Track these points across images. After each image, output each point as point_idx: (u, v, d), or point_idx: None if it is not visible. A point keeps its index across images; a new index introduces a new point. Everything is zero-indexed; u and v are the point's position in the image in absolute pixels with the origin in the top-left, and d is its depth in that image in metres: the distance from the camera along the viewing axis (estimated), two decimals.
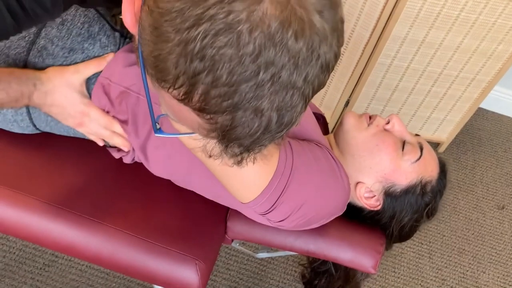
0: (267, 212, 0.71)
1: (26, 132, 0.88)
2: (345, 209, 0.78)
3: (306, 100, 0.44)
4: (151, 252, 0.81)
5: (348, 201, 0.84)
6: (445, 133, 1.81)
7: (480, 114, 2.04)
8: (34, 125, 0.85)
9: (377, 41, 1.45)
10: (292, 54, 0.39)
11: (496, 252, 1.61)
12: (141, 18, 0.44)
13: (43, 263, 1.33)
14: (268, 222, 0.75)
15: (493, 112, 2.07)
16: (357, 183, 0.81)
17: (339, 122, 0.87)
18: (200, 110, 0.42)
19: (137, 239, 0.82)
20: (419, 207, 0.83)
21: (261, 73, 0.39)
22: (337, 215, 0.77)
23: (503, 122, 2.04)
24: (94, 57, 0.79)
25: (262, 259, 1.41)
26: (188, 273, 0.80)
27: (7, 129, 0.88)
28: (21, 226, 0.83)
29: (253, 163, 0.50)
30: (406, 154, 0.80)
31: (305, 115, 0.78)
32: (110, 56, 0.77)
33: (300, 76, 0.41)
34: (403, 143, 0.81)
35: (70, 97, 0.77)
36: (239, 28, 0.37)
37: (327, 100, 1.74)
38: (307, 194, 0.71)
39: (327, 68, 0.43)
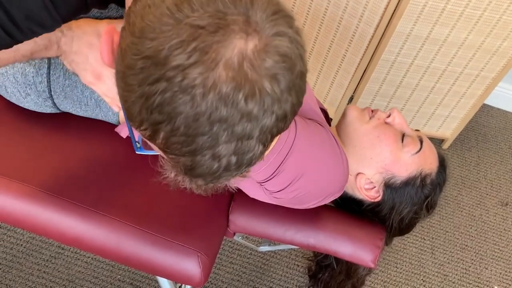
0: (267, 180, 0.72)
1: (38, 103, 0.88)
2: (342, 193, 0.79)
3: (265, 143, 0.47)
4: (154, 244, 0.83)
5: (348, 194, 0.85)
6: (449, 130, 1.81)
7: (485, 111, 2.03)
8: (50, 91, 0.86)
9: (381, 37, 1.45)
10: (244, 113, 0.43)
11: (499, 249, 1.62)
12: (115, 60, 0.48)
13: (50, 255, 1.35)
14: (264, 195, 0.76)
15: (498, 109, 2.06)
16: (358, 174, 0.83)
17: (342, 115, 0.89)
18: (164, 151, 0.46)
19: (141, 232, 0.83)
20: (418, 199, 0.84)
21: (214, 128, 0.43)
22: (334, 197, 0.78)
23: (508, 118, 2.04)
24: None
25: (265, 253, 1.43)
26: (190, 265, 0.82)
27: (20, 102, 0.88)
28: (28, 218, 0.85)
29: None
30: (406, 146, 0.82)
31: (309, 101, 0.80)
32: None
33: (256, 128, 0.44)
34: (403, 135, 0.83)
35: (96, 46, 0.77)
36: (193, 92, 0.41)
37: (331, 97, 1.74)
38: (307, 166, 0.72)
39: (284, 118, 0.46)
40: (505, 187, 1.79)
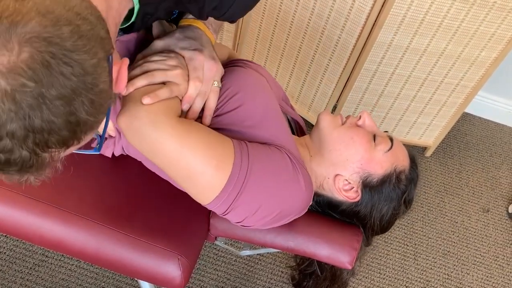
0: (224, 213, 0.75)
1: None
2: (316, 207, 0.81)
3: (35, 152, 0.47)
4: (134, 247, 0.84)
5: (327, 196, 0.87)
6: (431, 138, 1.84)
7: (467, 119, 2.07)
8: None
9: (363, 47, 1.49)
10: None
11: (480, 255, 1.64)
12: None
13: (33, 263, 1.35)
14: (231, 221, 0.79)
15: (480, 118, 2.10)
16: (335, 175, 0.85)
17: (316, 122, 0.91)
18: None
19: (121, 235, 0.84)
20: (396, 195, 0.87)
21: None
22: (298, 216, 0.80)
23: (490, 127, 2.08)
24: None
25: (249, 259, 1.44)
26: (170, 268, 0.83)
27: None
28: (8, 221, 0.85)
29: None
30: (378, 144, 0.85)
31: (272, 116, 0.81)
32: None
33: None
34: (374, 135, 0.87)
35: None
36: None
37: (315, 105, 1.77)
38: (263, 199, 0.74)
39: (40, 131, 0.46)
40: (486, 194, 1.82)
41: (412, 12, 1.38)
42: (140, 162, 0.89)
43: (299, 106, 1.83)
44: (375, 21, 1.41)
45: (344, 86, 1.62)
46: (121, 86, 0.57)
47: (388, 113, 1.73)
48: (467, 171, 1.89)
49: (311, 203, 0.81)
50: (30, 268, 1.34)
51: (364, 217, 0.87)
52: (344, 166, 0.84)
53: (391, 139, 0.87)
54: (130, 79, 0.72)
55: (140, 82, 0.72)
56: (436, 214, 1.72)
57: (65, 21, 0.46)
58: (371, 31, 1.44)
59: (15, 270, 1.33)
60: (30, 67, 0.43)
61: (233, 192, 0.72)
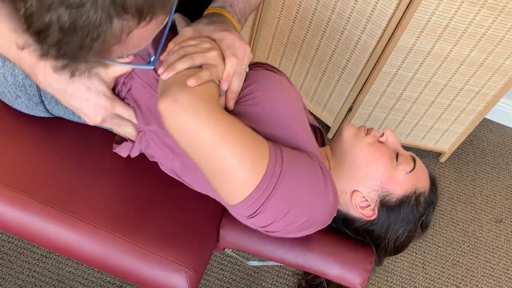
0: (252, 216, 0.72)
1: (30, 106, 0.87)
2: (330, 222, 0.79)
3: (109, 13, 0.43)
4: (142, 258, 0.83)
5: (342, 212, 0.85)
6: (447, 144, 1.80)
7: (484, 125, 2.03)
8: (40, 96, 0.85)
9: (383, 50, 1.44)
10: None
11: (490, 266, 1.62)
12: None
13: (41, 254, 1.35)
14: (253, 226, 0.77)
15: (497, 123, 2.05)
16: (353, 191, 0.83)
17: (338, 133, 0.89)
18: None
19: (130, 244, 0.83)
20: (413, 217, 0.85)
21: None
22: (322, 227, 0.78)
23: (507, 134, 2.03)
24: None
25: None
26: (177, 280, 0.82)
27: (13, 99, 0.87)
28: (17, 225, 0.85)
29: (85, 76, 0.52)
30: (400, 164, 0.83)
31: (300, 126, 0.79)
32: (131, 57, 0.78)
33: None
34: (397, 154, 0.84)
35: (93, 87, 0.75)
36: None
37: (330, 105, 1.74)
38: (292, 204, 0.72)
39: None
40: (500, 203, 1.79)
41: (437, 17, 1.33)
42: (151, 169, 0.88)
43: (314, 106, 1.80)
44: (397, 24, 1.37)
45: (362, 88, 1.59)
46: None
47: (404, 117, 1.69)
48: (482, 179, 1.85)
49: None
50: (38, 260, 1.34)
51: (378, 237, 0.85)
52: (363, 183, 0.82)
53: (414, 160, 0.84)
54: (169, 65, 0.71)
55: (181, 65, 0.70)
56: (447, 222, 1.70)
57: None
58: (392, 34, 1.40)
59: (22, 261, 1.33)
60: None
61: (264, 194, 0.69)
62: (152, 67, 0.62)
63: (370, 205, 0.83)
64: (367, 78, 1.55)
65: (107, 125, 0.83)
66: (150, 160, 0.87)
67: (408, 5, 1.31)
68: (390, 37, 1.40)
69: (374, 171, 0.82)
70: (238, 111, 0.77)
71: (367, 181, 0.82)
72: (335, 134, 1.80)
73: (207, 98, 0.68)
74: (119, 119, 0.81)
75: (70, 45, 0.44)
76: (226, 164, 0.69)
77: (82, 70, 0.48)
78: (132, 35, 0.47)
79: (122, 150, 0.86)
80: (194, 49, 0.72)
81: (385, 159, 0.82)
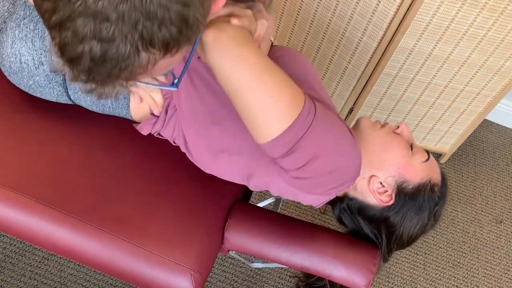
0: (283, 156, 0.72)
1: (49, 77, 0.87)
2: (355, 182, 0.81)
3: (137, 46, 0.46)
4: (147, 260, 0.83)
5: (359, 200, 0.86)
6: (448, 145, 1.81)
7: (485, 126, 2.03)
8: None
9: (384, 51, 1.45)
10: None
11: (491, 267, 1.62)
12: None
13: (43, 256, 1.35)
14: (279, 174, 0.76)
15: (497, 124, 2.06)
16: (371, 176, 0.85)
17: (355, 124, 0.94)
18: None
19: (134, 247, 0.83)
20: (428, 206, 0.87)
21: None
22: (348, 184, 0.78)
23: (507, 134, 2.04)
24: None
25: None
26: (183, 283, 0.82)
27: (31, 76, 0.86)
28: (20, 227, 0.85)
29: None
30: (415, 154, 0.86)
31: (326, 97, 0.85)
32: None
33: (112, 11, 0.43)
34: (411, 145, 0.88)
35: None
36: None
37: None
38: (325, 147, 0.72)
39: (160, 21, 0.46)
40: (500, 204, 1.80)
41: (438, 19, 1.34)
42: (156, 171, 0.88)
43: None
44: (398, 26, 1.37)
45: (362, 89, 1.59)
46: (219, 5, 0.57)
47: (405, 118, 1.70)
48: (482, 180, 1.86)
49: (343, 205, 0.82)
50: (39, 262, 1.34)
51: (393, 224, 0.86)
52: (381, 168, 0.84)
53: (428, 152, 0.88)
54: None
55: (222, 11, 0.72)
56: (448, 223, 1.70)
57: None
58: (393, 35, 1.40)
59: (24, 263, 1.33)
60: None
61: (300, 130, 0.69)
62: (175, 89, 0.64)
63: (387, 191, 0.85)
64: (368, 80, 1.55)
65: (139, 91, 0.82)
66: (167, 139, 0.87)
67: (409, 7, 1.32)
68: (391, 38, 1.41)
69: (392, 156, 0.84)
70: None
71: (385, 166, 0.84)
72: None
73: (248, 35, 0.71)
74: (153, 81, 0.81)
75: (100, 73, 0.47)
76: (267, 94, 0.69)
77: (109, 93, 0.51)
78: (157, 65, 0.50)
79: (145, 127, 0.86)
80: (233, 9, 0.74)
81: (401, 146, 0.85)
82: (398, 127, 0.90)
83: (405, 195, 0.85)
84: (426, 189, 0.85)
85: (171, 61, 0.52)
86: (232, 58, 0.68)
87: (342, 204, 0.89)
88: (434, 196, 0.86)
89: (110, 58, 0.45)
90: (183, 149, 0.87)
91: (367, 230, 0.89)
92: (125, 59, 0.46)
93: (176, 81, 0.62)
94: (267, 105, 0.69)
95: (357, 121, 0.92)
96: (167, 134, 0.88)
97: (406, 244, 0.90)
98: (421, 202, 0.86)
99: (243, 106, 0.72)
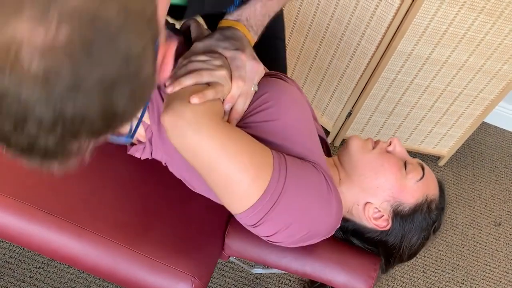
0: (254, 225, 0.73)
1: None
2: (339, 233, 0.80)
3: (62, 139, 0.41)
4: (147, 267, 0.83)
5: (356, 223, 0.85)
6: (446, 148, 1.82)
7: (482, 128, 2.04)
8: None
9: (382, 55, 1.45)
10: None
11: (490, 269, 1.63)
12: None
13: (42, 262, 1.35)
14: (258, 234, 0.77)
15: (495, 127, 2.07)
16: (365, 203, 0.83)
17: (344, 145, 0.90)
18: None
19: (135, 253, 0.83)
20: (427, 225, 0.85)
21: None
22: (323, 238, 0.79)
23: (505, 137, 2.05)
24: None
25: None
26: None
27: None
28: (22, 235, 0.85)
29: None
30: (410, 173, 0.84)
31: (308, 132, 0.80)
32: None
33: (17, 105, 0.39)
34: (405, 163, 0.85)
35: None
36: None
37: (329, 110, 1.74)
38: (296, 215, 0.73)
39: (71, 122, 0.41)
40: (499, 206, 1.80)
41: (435, 23, 1.34)
42: (156, 178, 0.88)
43: None
44: (396, 30, 1.38)
45: (361, 93, 1.60)
46: (165, 74, 0.53)
47: (403, 122, 1.70)
48: (480, 182, 1.86)
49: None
50: (39, 267, 1.34)
51: (393, 247, 0.85)
52: (375, 194, 0.83)
53: (423, 168, 0.85)
54: (176, 79, 0.71)
55: (187, 81, 0.70)
56: (447, 225, 1.70)
57: None
58: (391, 39, 1.41)
59: (24, 269, 1.33)
60: (68, 47, 0.37)
61: (268, 204, 0.70)
62: (129, 142, 0.61)
63: (383, 216, 0.83)
64: (366, 83, 1.56)
65: None
66: (161, 161, 0.87)
67: (407, 11, 1.32)
68: (389, 42, 1.41)
69: (385, 181, 0.82)
70: (249, 121, 0.77)
71: (379, 192, 0.82)
72: (334, 139, 1.81)
73: (209, 113, 0.69)
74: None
75: (32, 159, 0.44)
76: (229, 177, 0.69)
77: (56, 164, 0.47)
78: (95, 143, 0.46)
79: (136, 153, 0.87)
80: (203, 65, 0.72)
81: (394, 169, 0.83)
82: (390, 143, 0.87)
83: (402, 218, 0.83)
84: (423, 209, 0.83)
85: (109, 136, 0.48)
86: (189, 146, 0.69)
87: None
88: (431, 215, 0.84)
89: (38, 149, 0.42)
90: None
91: (363, 247, 0.89)
92: (52, 149, 0.42)
93: (130, 135, 0.58)
94: (230, 187, 0.70)
95: (347, 143, 0.88)
96: (158, 159, 0.88)
97: (406, 260, 0.90)
98: (419, 222, 0.84)
99: (208, 183, 0.73)
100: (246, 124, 0.76)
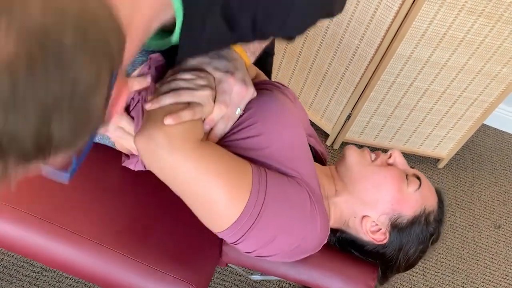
0: (235, 243, 0.73)
1: None
2: (320, 248, 0.79)
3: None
4: (146, 275, 0.82)
5: (353, 235, 0.84)
6: (446, 150, 1.81)
7: (482, 130, 2.04)
8: None
9: (381, 58, 1.45)
10: None
11: (490, 272, 1.62)
12: None
13: (41, 267, 1.34)
14: (241, 251, 0.77)
15: (494, 129, 2.06)
16: (363, 217, 0.82)
17: (342, 157, 0.88)
18: None
19: (133, 261, 0.83)
20: (424, 237, 0.84)
21: None
22: (311, 253, 0.78)
23: (504, 138, 2.04)
24: None
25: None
26: None
27: None
28: (18, 242, 0.84)
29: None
30: (410, 184, 0.83)
31: (293, 146, 0.78)
32: (149, 79, 0.75)
33: None
34: (406, 175, 0.84)
35: None
36: None
37: (329, 113, 1.74)
38: (277, 233, 0.72)
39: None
40: (498, 209, 1.80)
41: (435, 26, 1.34)
42: (154, 186, 0.87)
43: (312, 113, 1.80)
44: (395, 33, 1.37)
45: (360, 95, 1.59)
46: (115, 111, 0.50)
47: (403, 124, 1.70)
48: (480, 185, 1.86)
49: (330, 240, 0.79)
50: (38, 273, 1.33)
51: (390, 259, 0.85)
52: (374, 207, 0.81)
53: (418, 178, 0.84)
54: (157, 95, 0.70)
55: (165, 100, 0.69)
56: (447, 228, 1.70)
57: (73, 19, 0.38)
58: (391, 42, 1.40)
59: (22, 274, 1.32)
60: (12, 62, 0.35)
61: (247, 223, 0.70)
62: (67, 180, 0.56)
63: (381, 229, 0.82)
64: (365, 86, 1.55)
65: (110, 135, 0.82)
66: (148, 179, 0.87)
67: (407, 14, 1.32)
68: (389, 45, 1.41)
69: (386, 195, 0.81)
70: (231, 139, 0.76)
71: (378, 205, 0.81)
72: (333, 142, 1.81)
73: (184, 135, 0.67)
74: (122, 132, 0.81)
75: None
76: (206, 197, 0.69)
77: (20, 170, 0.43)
78: (24, 169, 0.42)
79: (130, 165, 0.87)
80: (185, 84, 0.70)
81: (395, 182, 0.81)
82: (390, 156, 0.85)
83: (400, 230, 0.82)
84: (421, 221, 0.82)
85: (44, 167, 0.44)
86: (163, 168, 0.68)
87: (333, 238, 0.87)
88: (429, 227, 0.83)
89: None
90: None
91: (362, 257, 0.88)
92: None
93: (70, 172, 0.52)
94: (208, 207, 0.70)
95: (344, 155, 0.87)
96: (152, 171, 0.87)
97: (403, 271, 0.89)
98: (417, 234, 0.83)
99: (186, 203, 0.73)
100: (228, 142, 0.75)
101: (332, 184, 0.85)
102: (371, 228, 0.82)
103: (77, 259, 0.84)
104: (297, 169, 0.76)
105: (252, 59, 0.79)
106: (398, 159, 0.85)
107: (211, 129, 0.74)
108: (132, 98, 0.81)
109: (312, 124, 1.80)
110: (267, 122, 0.77)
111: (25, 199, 0.85)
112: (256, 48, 0.79)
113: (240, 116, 0.76)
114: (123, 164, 0.87)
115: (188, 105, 0.69)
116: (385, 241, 0.82)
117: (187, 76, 0.71)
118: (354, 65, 1.53)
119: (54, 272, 1.34)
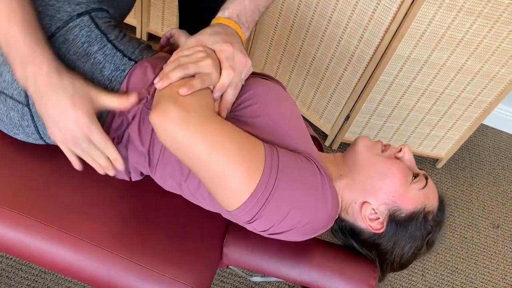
0: (250, 221, 0.73)
1: (30, 140, 0.87)
2: (332, 225, 0.80)
3: None
4: (146, 277, 0.82)
5: (349, 222, 0.85)
6: (444, 150, 1.81)
7: (480, 130, 2.04)
8: (39, 133, 0.85)
9: (380, 59, 1.45)
10: None
11: (488, 272, 1.63)
12: None
13: (40, 269, 1.34)
14: (254, 230, 0.77)
15: (493, 128, 2.07)
16: (363, 203, 0.83)
17: (352, 143, 0.90)
18: None
19: (133, 264, 0.82)
20: (421, 234, 0.85)
21: None
22: (323, 231, 0.79)
23: (503, 138, 2.05)
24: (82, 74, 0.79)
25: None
26: None
27: (11, 134, 0.87)
28: (18, 246, 0.84)
29: None
30: (415, 181, 0.84)
31: (297, 126, 0.80)
32: (134, 98, 0.78)
33: None
34: (414, 174, 0.85)
35: (80, 103, 0.74)
36: None
37: (327, 113, 1.74)
38: (290, 208, 0.72)
39: None
40: (497, 209, 1.80)
41: (433, 27, 1.34)
42: (153, 188, 0.87)
43: (310, 113, 1.80)
44: (394, 34, 1.37)
45: (359, 96, 1.59)
46: None
47: (401, 125, 1.70)
48: (478, 185, 1.86)
49: (335, 227, 0.79)
50: (36, 275, 1.33)
51: (385, 251, 0.85)
52: (375, 195, 0.82)
53: (426, 178, 0.85)
54: (163, 75, 0.72)
55: (174, 75, 0.71)
56: (446, 228, 1.70)
57: None
58: (389, 43, 1.40)
59: (21, 277, 1.32)
60: None
61: (260, 200, 0.70)
62: None
63: (379, 218, 0.83)
64: (364, 86, 1.55)
65: (76, 150, 0.79)
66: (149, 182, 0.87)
67: (405, 15, 1.32)
68: (387, 46, 1.41)
69: (389, 185, 0.82)
70: (235, 117, 0.77)
71: (380, 194, 0.82)
72: (332, 142, 1.81)
73: (197, 108, 0.69)
74: (91, 147, 0.78)
75: None
76: (220, 173, 0.69)
77: None
78: None
79: (119, 175, 0.86)
80: (188, 59, 0.73)
81: (401, 175, 0.82)
82: (400, 149, 0.87)
83: (397, 223, 0.83)
84: (419, 218, 0.83)
85: None
86: (178, 143, 0.69)
87: (334, 226, 0.88)
88: (427, 225, 0.84)
89: None
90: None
91: (361, 251, 0.89)
92: None
93: None
94: (223, 183, 0.70)
95: (355, 141, 0.88)
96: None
97: (397, 269, 0.89)
98: (412, 230, 0.83)
99: (201, 180, 0.74)
100: (236, 117, 0.76)
101: (336, 168, 0.86)
102: (370, 216, 0.83)
103: (76, 262, 0.83)
104: (304, 146, 0.78)
105: (247, 34, 0.82)
106: (407, 155, 0.86)
107: (221, 98, 0.76)
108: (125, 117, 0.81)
109: (311, 124, 1.80)
110: (268, 103, 0.79)
111: (24, 202, 0.85)
112: (249, 22, 0.82)
113: (237, 99, 0.77)
114: (116, 177, 0.86)
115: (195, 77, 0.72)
116: (381, 230, 0.83)
117: (186, 52, 0.75)
118: (353, 65, 1.53)
119: (53, 275, 1.34)
